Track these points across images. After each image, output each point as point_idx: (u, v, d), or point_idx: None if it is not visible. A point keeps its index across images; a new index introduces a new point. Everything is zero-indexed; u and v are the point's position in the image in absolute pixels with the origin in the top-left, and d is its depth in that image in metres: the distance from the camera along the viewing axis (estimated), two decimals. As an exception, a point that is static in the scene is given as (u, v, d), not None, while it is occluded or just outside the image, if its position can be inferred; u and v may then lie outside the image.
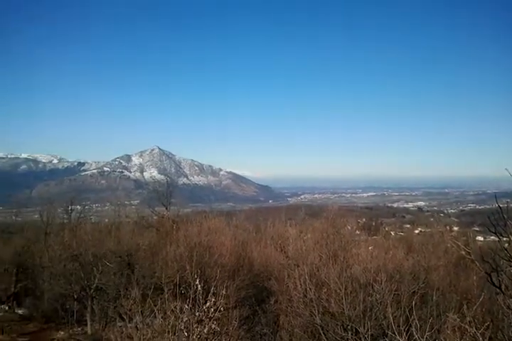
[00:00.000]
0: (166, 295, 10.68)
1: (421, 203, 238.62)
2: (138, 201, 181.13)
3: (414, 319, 9.92)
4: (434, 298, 17.67)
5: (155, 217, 40.88)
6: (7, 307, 28.78)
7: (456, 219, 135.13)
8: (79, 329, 25.01)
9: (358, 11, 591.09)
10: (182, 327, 9.90)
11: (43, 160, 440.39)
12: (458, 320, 10.46)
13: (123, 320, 12.96)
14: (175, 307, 10.07)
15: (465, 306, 12.20)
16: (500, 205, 9.04)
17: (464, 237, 40.39)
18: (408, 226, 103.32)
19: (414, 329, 9.65)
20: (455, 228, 77.97)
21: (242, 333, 15.86)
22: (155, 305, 10.79)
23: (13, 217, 37.80)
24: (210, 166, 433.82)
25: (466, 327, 9.19)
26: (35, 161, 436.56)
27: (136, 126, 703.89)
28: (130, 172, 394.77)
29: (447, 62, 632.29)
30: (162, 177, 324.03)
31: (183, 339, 9.87)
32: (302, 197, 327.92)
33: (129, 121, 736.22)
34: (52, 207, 36.57)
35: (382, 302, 15.48)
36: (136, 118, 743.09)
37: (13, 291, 28.43)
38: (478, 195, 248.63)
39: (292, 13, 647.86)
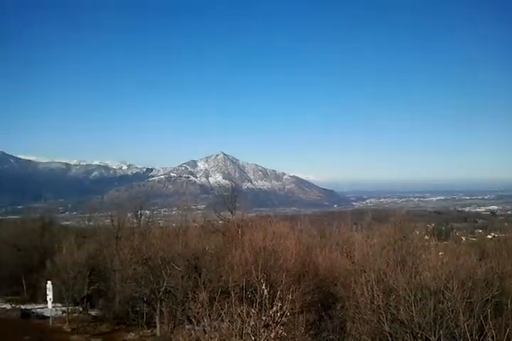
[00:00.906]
0: (233, 299, 10.74)
1: (494, 207, 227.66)
2: (204, 205, 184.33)
3: (490, 328, 9.47)
4: (510, 306, 16.79)
5: (220, 222, 41.41)
6: (81, 309, 29.92)
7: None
8: (148, 331, 25.61)
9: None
10: (249, 331, 9.93)
11: (114, 167, 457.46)
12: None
13: (191, 322, 13.17)
14: (241, 311, 10.12)
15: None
16: None
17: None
18: (480, 231, 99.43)
19: (490, 338, 9.21)
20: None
21: (308, 339, 15.72)
22: (222, 309, 10.89)
23: (86, 222, 39.40)
24: (273, 171, 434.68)
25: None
26: (107, 168, 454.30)
27: (201, 133, 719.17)
28: (196, 177, 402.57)
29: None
30: (227, 182, 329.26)
31: (250, 343, 9.92)
32: (367, 201, 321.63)
33: (195, 128, 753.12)
34: (123, 211, 37.77)
35: (453, 310, 14.87)
36: (201, 124, 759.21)
37: (87, 293, 29.54)
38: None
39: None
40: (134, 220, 37.42)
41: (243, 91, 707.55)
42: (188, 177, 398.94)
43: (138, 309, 27.46)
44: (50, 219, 42.20)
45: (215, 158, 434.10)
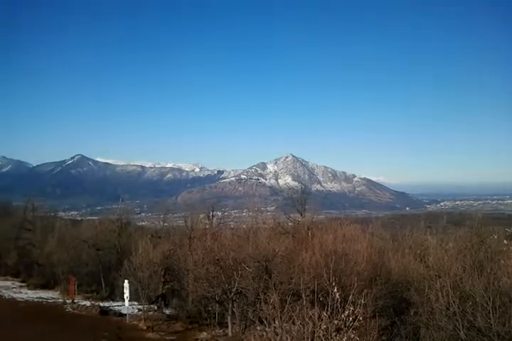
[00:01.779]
0: (304, 302, 10.74)
1: None
2: (273, 207, 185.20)
3: None
4: None
5: (290, 224, 41.37)
6: (156, 307, 30.75)
7: None
8: (220, 331, 25.91)
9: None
10: (320, 335, 9.88)
11: (186, 169, 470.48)
12: None
13: (262, 324, 13.27)
14: (313, 314, 10.09)
15: None
16: None
17: None
18: None
19: None
20: None
21: (381, 344, 15.41)
22: (293, 311, 10.90)
23: (161, 223, 40.54)
24: (343, 172, 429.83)
25: None
26: (180, 170, 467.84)
27: (271, 135, 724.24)
28: (266, 179, 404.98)
29: None
30: (296, 183, 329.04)
31: (322, 346, 9.87)
32: (442, 204, 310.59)
33: (264, 130, 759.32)
34: (195, 213, 38.55)
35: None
36: (271, 127, 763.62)
37: (161, 292, 30.34)
38: None
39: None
40: (206, 221, 38.11)
41: (312, 92, 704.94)
42: (258, 179, 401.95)
43: (210, 309, 27.88)
44: (127, 220, 43.81)
45: (284, 160, 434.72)
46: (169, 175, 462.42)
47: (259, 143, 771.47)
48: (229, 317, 24.53)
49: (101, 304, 30.93)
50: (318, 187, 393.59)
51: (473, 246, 23.97)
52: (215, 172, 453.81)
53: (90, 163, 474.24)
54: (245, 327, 23.30)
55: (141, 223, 70.61)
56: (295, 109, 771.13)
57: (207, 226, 37.37)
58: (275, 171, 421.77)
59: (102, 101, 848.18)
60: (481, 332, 14.99)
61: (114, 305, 31.61)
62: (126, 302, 27.82)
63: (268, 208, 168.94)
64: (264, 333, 11.58)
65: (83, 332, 24.53)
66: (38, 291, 36.64)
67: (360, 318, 10.39)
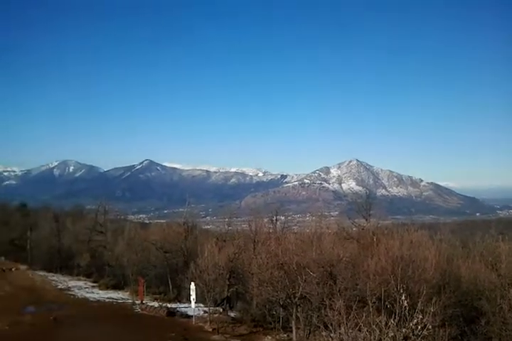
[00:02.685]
0: (371, 309, 10.60)
1: None
2: (337, 212, 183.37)
3: None
4: None
5: (354, 229, 40.78)
6: (221, 310, 31.13)
7: None
8: (284, 335, 25.89)
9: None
10: (388, 343, 9.75)
11: (250, 174, 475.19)
12: None
13: (327, 329, 13.19)
14: (380, 321, 9.94)
15: None
16: None
17: None
18: None
19: None
20: None
21: (450, 354, 14.93)
22: (359, 318, 10.79)
23: (226, 226, 41.07)
24: (409, 177, 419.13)
25: None
26: (243, 174, 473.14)
27: (334, 139, 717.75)
28: (329, 183, 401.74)
29: None
30: (360, 188, 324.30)
31: (389, 354, 9.70)
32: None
33: (327, 134, 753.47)
34: (259, 217, 38.79)
35: None
36: (334, 131, 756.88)
37: (226, 295, 30.70)
38: None
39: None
40: (270, 225, 38.27)
41: (376, 94, 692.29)
42: (321, 183, 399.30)
43: (274, 313, 27.92)
44: (193, 224, 44.70)
45: (348, 164, 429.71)
46: (233, 180, 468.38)
47: (322, 147, 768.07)
48: (293, 322, 24.46)
49: (168, 305, 31.65)
50: (384, 191, 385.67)
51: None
52: (279, 176, 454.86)
53: (158, 167, 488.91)
54: (310, 333, 23.17)
55: (206, 226, 72.10)
56: (359, 112, 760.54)
57: (271, 231, 37.51)
58: (339, 175, 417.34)
59: (169, 108, 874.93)
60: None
61: (180, 306, 32.28)
62: (193, 304, 28.34)
63: (331, 213, 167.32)
64: (330, 339, 11.52)
65: (151, 332, 25.24)
66: (108, 291, 38.03)
67: (429, 327, 10.14)
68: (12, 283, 36.51)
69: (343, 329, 11.01)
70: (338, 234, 36.73)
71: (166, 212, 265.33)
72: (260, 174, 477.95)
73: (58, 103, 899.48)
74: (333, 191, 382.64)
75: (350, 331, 11.06)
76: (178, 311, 30.39)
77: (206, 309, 29.01)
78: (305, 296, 23.53)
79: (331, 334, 12.05)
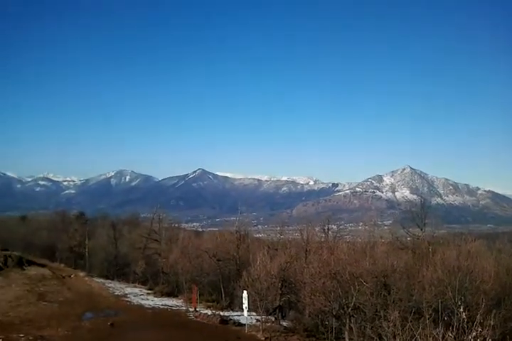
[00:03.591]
0: (427, 321, 10.36)
1: None
2: (390, 221, 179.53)
3: None
4: None
5: (409, 238, 39.95)
6: (273, 319, 31.03)
7: None
8: (338, 346, 25.59)
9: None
10: (445, 356, 9.50)
11: (301, 182, 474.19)
12: None
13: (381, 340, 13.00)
14: (437, 333, 9.71)
15: None
16: None
17: None
18: None
19: None
20: None
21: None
22: (415, 330, 10.57)
23: (277, 235, 41.15)
24: (466, 185, 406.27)
25: None
26: (294, 183, 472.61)
27: (387, 147, 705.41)
28: (382, 192, 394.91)
29: None
30: (414, 196, 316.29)
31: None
32: None
33: (379, 142, 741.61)
34: (311, 225, 38.64)
35: None
36: (385, 138, 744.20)
37: (279, 304, 30.61)
38: None
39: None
40: (322, 234, 38.05)
41: (430, 97, 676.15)
42: (374, 192, 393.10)
43: (327, 323, 27.60)
44: (245, 232, 44.99)
45: (401, 172, 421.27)
46: (284, 188, 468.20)
47: (374, 154, 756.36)
48: (346, 333, 24.13)
49: (221, 313, 31.84)
50: (439, 200, 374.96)
51: None
52: (330, 185, 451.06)
53: (210, 176, 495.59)
54: (364, 344, 22.81)
55: (257, 235, 72.22)
56: (412, 118, 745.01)
57: (323, 240, 37.26)
58: (392, 184, 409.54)
59: (221, 118, 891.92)
60: None
61: (233, 314, 32.40)
62: (245, 313, 28.41)
63: (385, 222, 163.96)
64: (385, 351, 11.35)
65: (204, 339, 25.45)
66: (163, 298, 38.63)
67: (489, 340, 9.81)
68: (71, 290, 37.64)
69: (398, 340, 10.82)
70: (391, 243, 36.14)
71: (218, 220, 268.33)
72: (311, 182, 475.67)
73: (115, 115, 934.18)
74: (386, 200, 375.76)
75: (407, 343, 10.85)
76: (230, 319, 30.47)
77: (258, 318, 28.98)
78: (358, 307, 23.20)
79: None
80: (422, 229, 37.23)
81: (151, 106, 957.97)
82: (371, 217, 57.82)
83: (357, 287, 22.78)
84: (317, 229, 39.91)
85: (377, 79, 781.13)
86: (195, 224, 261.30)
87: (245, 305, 28.25)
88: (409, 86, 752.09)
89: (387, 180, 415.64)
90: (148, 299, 37.73)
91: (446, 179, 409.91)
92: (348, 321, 23.93)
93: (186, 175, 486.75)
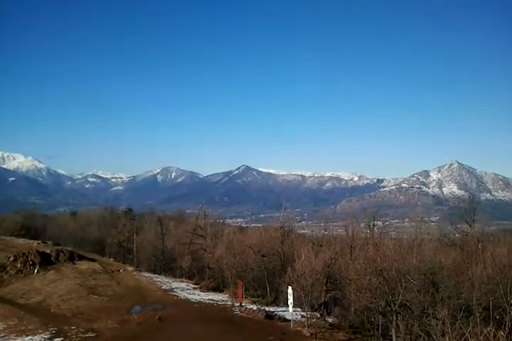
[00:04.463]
0: (477, 319, 10.18)
1: None
2: (437, 217, 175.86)
3: None
4: None
5: (457, 235, 39.12)
6: (318, 315, 30.95)
7: None
8: (384, 343, 25.33)
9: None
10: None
11: (345, 178, 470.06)
12: None
13: (429, 338, 12.84)
14: (488, 332, 9.53)
15: None
16: None
17: None
18: None
19: None
20: None
21: None
22: (465, 328, 10.40)
23: (322, 231, 41.02)
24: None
25: None
26: (338, 179, 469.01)
27: (433, 141, 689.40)
28: (428, 188, 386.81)
29: None
30: (462, 192, 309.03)
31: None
32: None
33: (425, 137, 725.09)
34: (356, 221, 38.32)
35: None
36: (432, 132, 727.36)
37: (324, 300, 30.52)
38: None
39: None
40: (367, 231, 37.67)
41: (475, 91, 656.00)
42: (420, 187, 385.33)
43: (373, 320, 27.35)
44: (289, 228, 45.03)
45: (448, 167, 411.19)
46: (328, 184, 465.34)
47: (420, 149, 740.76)
48: (393, 330, 23.86)
49: (266, 308, 32.02)
50: (488, 196, 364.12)
51: None
52: (374, 180, 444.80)
53: (254, 172, 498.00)
54: (411, 341, 22.52)
55: (301, 231, 72.16)
56: (459, 112, 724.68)
57: (368, 236, 36.88)
58: (439, 179, 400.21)
59: (264, 115, 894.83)
60: None
61: (278, 310, 32.52)
62: (290, 308, 28.48)
63: (431, 218, 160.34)
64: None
65: (250, 334, 25.70)
66: (209, 293, 39.16)
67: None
68: (120, 284, 38.67)
69: (447, 339, 10.68)
70: (439, 240, 35.45)
71: (262, 216, 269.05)
72: (355, 178, 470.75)
73: (161, 114, 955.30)
74: (432, 195, 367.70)
75: (457, 341, 10.69)
76: (275, 315, 30.62)
77: (304, 313, 28.99)
78: (405, 304, 22.90)
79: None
80: (470, 226, 36.39)
81: (196, 104, 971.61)
82: (418, 213, 56.82)
83: (404, 284, 22.49)
84: (362, 225, 39.54)
85: (419, 68, 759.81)
86: (239, 220, 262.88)
87: (290, 300, 28.31)
88: (457, 81, 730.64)
89: (434, 175, 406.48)
90: (194, 294, 38.29)
91: (496, 174, 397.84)
92: (394, 318, 23.66)
93: (230, 172, 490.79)
